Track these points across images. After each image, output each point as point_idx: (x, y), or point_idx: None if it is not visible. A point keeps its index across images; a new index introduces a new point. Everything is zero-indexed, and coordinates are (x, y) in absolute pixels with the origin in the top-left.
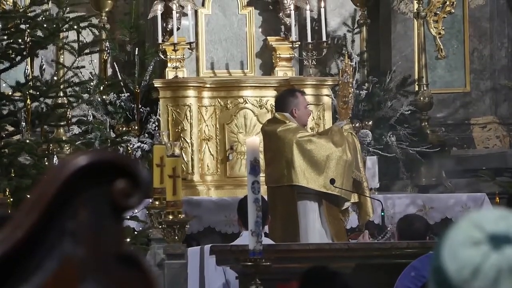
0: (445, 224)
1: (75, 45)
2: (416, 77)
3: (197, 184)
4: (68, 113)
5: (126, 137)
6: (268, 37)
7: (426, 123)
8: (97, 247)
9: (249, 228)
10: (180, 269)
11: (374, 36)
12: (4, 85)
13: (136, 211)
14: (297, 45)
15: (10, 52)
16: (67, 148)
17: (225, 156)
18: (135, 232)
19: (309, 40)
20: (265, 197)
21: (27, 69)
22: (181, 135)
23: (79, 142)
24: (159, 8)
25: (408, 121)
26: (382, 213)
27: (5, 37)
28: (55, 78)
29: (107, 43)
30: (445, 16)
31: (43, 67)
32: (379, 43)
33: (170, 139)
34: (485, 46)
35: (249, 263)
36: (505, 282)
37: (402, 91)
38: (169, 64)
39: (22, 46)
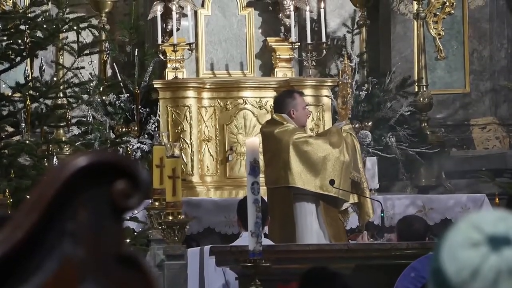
0: (445, 225)
1: (75, 46)
2: (416, 78)
3: (197, 185)
4: (67, 114)
5: (125, 138)
6: (267, 38)
7: (425, 124)
8: (97, 248)
9: (249, 229)
10: (179, 270)
11: (374, 37)
12: (3, 86)
13: (136, 212)
14: (297, 46)
15: (10, 52)
16: (67, 149)
17: (224, 157)
18: (135, 233)
19: (309, 41)
20: (265, 198)
21: (27, 70)
22: (181, 136)
23: (79, 143)
24: (158, 9)
25: (407, 122)
26: (382, 214)
27: (5, 38)
28: (55, 79)
29: (107, 44)
30: (445, 17)
31: (43, 67)
32: (379, 44)
33: (170, 140)
34: (485, 47)
35: (249, 264)
36: (504, 284)
37: (402, 92)
38: (168, 65)
39: (22, 47)
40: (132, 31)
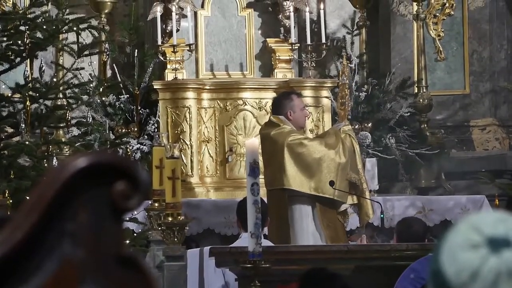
0: (445, 226)
1: (75, 47)
2: (416, 79)
3: (197, 186)
4: (67, 114)
5: (125, 138)
6: (267, 39)
7: (425, 125)
8: (96, 249)
9: (249, 230)
10: (179, 271)
11: (374, 38)
12: (3, 86)
13: (135, 212)
14: (297, 47)
15: (10, 53)
16: (67, 149)
17: (224, 158)
18: (135, 234)
19: (309, 42)
20: (265, 199)
21: (27, 71)
22: (181, 136)
23: (79, 143)
24: (158, 10)
25: (407, 123)
26: (382, 215)
27: (5, 39)
28: (55, 79)
29: (107, 44)
30: (445, 18)
31: (43, 68)
32: (379, 45)
33: (170, 141)
34: (485, 48)
35: (249, 265)
36: (503, 285)
37: (402, 93)
38: (168, 66)
39: (22, 48)
40: (132, 32)
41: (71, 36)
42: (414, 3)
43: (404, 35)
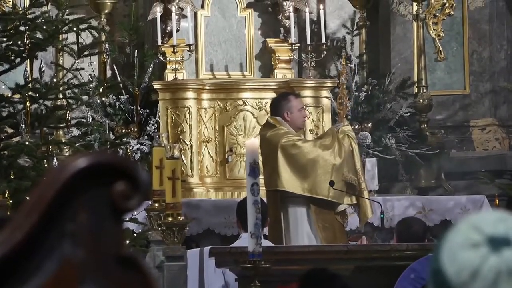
0: (445, 226)
1: (75, 47)
2: (416, 79)
3: (197, 186)
4: (67, 115)
5: (125, 139)
6: (267, 39)
7: (425, 125)
8: (96, 249)
9: (249, 230)
10: (179, 271)
11: (374, 38)
12: (3, 87)
13: (135, 213)
14: (297, 47)
15: (10, 54)
16: (67, 150)
17: (224, 158)
18: (135, 234)
19: (309, 42)
20: (265, 199)
21: (27, 71)
22: (181, 137)
23: (79, 144)
24: (158, 10)
25: (407, 123)
26: (382, 215)
27: (5, 39)
28: (55, 80)
29: (107, 45)
30: (445, 18)
31: (43, 69)
32: (379, 45)
33: (170, 141)
34: (485, 48)
35: (249, 265)
36: (504, 285)
37: (402, 93)
38: (168, 66)
39: (22, 48)
40: (131, 32)
41: (71, 37)
42: (414, 3)
43: (404, 35)
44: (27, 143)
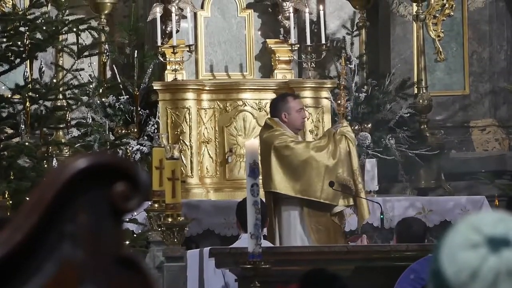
0: (444, 227)
1: (74, 48)
2: (415, 79)
3: (196, 186)
4: (67, 115)
5: (125, 139)
6: (267, 40)
7: (425, 126)
8: (96, 250)
9: (248, 231)
10: (179, 272)
11: (373, 39)
12: (3, 87)
13: (135, 213)
14: (296, 48)
15: (10, 54)
16: (66, 150)
17: (224, 159)
18: (134, 235)
19: (308, 42)
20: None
21: (27, 72)
22: (180, 137)
23: (78, 144)
24: (158, 11)
25: (407, 123)
26: (382, 216)
27: (5, 40)
28: (54, 80)
29: (106, 45)
30: (444, 18)
31: (42, 69)
32: (378, 46)
33: (169, 142)
34: (484, 48)
35: (248, 266)
36: (503, 285)
37: (401, 94)
38: (168, 67)
39: (22, 49)
40: (131, 33)
41: (71, 37)
42: (414, 4)
43: (404, 35)
44: (27, 143)
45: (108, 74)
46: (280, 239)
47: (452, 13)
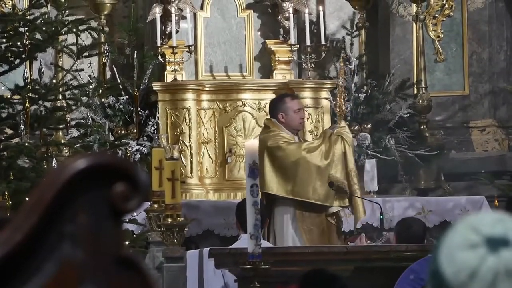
0: (444, 227)
1: (74, 48)
2: (415, 80)
3: (196, 187)
4: (67, 116)
5: (125, 140)
6: (267, 40)
7: (425, 126)
8: (96, 250)
9: (248, 231)
10: (179, 272)
11: (373, 39)
12: (3, 88)
13: (135, 214)
14: (296, 48)
15: (9, 55)
16: (66, 151)
17: (224, 159)
18: (134, 235)
19: (308, 43)
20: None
21: (26, 72)
22: (180, 138)
23: (78, 145)
24: (158, 11)
25: (407, 124)
26: (381, 216)
27: (4, 40)
28: (54, 81)
29: (106, 46)
30: (444, 19)
31: (42, 70)
32: (378, 46)
33: (169, 142)
34: (484, 49)
35: (248, 266)
36: (502, 285)
37: (401, 94)
38: (168, 67)
39: (21, 49)
40: (131, 33)
41: (71, 38)
42: (414, 4)
43: (403, 36)
44: (26, 144)
45: (108, 74)
46: (274, 240)
47: (451, 14)
